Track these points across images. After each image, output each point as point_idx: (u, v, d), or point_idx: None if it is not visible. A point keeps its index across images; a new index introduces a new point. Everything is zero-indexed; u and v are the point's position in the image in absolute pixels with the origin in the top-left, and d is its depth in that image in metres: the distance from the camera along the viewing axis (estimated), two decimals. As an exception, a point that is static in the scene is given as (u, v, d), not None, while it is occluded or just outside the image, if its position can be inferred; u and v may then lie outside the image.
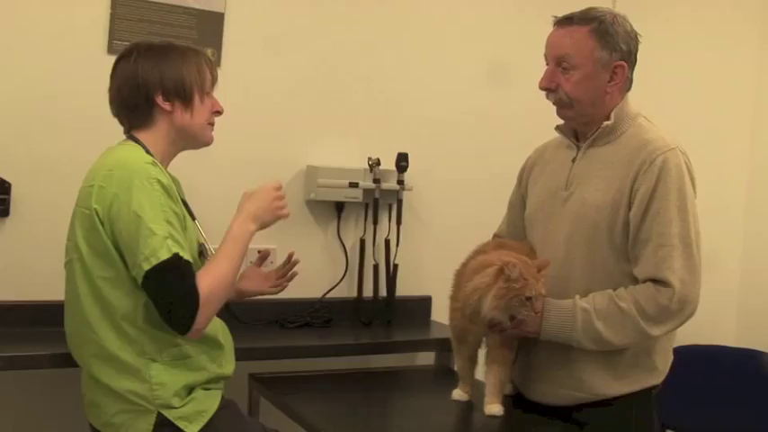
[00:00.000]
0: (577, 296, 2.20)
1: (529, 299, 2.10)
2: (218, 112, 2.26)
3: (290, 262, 2.57)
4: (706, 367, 3.48)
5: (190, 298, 1.96)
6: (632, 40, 2.25)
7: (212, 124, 2.25)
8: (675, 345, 3.37)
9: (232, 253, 2.10)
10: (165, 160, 2.20)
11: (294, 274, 2.56)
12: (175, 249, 1.97)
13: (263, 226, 2.19)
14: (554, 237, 2.30)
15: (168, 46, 2.22)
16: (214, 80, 2.27)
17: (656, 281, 2.14)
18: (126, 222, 1.98)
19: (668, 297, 2.12)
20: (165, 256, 1.95)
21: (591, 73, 2.22)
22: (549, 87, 2.27)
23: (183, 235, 2.04)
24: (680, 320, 2.18)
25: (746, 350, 3.50)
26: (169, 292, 1.97)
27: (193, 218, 2.28)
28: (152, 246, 1.95)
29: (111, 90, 2.19)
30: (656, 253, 2.14)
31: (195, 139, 2.23)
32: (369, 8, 3.25)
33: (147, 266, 1.95)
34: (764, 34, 3.99)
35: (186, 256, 2.00)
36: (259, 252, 2.62)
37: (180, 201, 2.15)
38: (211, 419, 2.09)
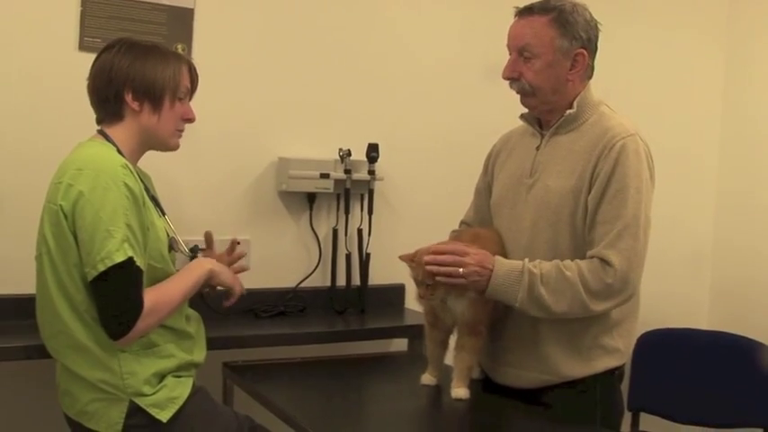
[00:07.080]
0: (526, 259, 2.22)
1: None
2: (190, 120, 2.28)
3: (233, 250, 2.53)
4: (679, 350, 3.53)
5: (134, 306, 2.01)
6: (592, 28, 2.29)
7: (181, 131, 2.28)
8: (648, 328, 3.45)
9: (183, 278, 2.20)
10: (134, 157, 2.22)
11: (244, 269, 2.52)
12: (130, 253, 2.00)
13: (217, 276, 2.29)
14: (519, 223, 2.34)
15: (152, 47, 2.22)
16: (193, 88, 2.29)
17: (601, 259, 2.17)
18: (87, 221, 2.00)
19: (612, 275, 2.15)
20: (119, 258, 1.98)
21: (552, 61, 2.26)
22: (512, 77, 2.30)
23: (141, 242, 2.06)
24: (620, 300, 2.21)
25: (719, 333, 3.54)
26: (116, 296, 2.00)
27: (163, 213, 2.30)
28: (108, 247, 1.98)
29: (88, 78, 2.21)
30: (606, 233, 2.17)
31: (160, 143, 2.25)
32: (337, 2, 3.27)
33: (101, 267, 1.98)
34: (732, 21, 4.02)
35: (140, 262, 2.03)
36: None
37: (149, 199, 2.16)
38: (183, 406, 2.12)
